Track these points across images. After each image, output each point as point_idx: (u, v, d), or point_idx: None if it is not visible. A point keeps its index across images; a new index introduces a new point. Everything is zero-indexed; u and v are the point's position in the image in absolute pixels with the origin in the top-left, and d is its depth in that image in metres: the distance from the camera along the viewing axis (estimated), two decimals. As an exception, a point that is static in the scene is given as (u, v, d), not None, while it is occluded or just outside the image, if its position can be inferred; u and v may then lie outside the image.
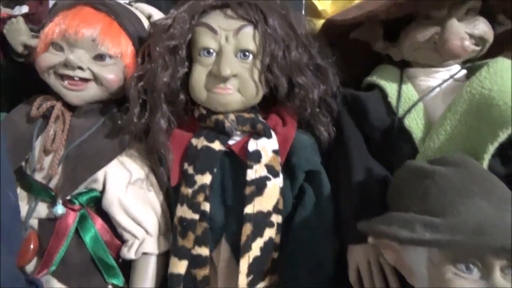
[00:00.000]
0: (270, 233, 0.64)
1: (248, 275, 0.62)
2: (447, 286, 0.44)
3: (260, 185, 0.63)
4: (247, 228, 0.62)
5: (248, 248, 0.62)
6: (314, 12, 0.94)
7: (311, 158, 0.68)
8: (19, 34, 0.78)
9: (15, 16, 0.81)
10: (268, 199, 0.64)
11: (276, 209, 0.65)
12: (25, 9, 0.86)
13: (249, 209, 0.62)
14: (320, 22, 0.91)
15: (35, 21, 0.85)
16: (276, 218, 0.65)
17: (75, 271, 0.67)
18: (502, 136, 0.56)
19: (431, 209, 0.47)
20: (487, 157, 0.57)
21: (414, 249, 0.48)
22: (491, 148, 0.56)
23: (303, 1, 0.88)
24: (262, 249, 0.63)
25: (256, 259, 0.62)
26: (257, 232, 0.62)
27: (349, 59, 0.75)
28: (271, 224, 0.64)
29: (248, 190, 0.63)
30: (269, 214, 0.63)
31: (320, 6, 0.91)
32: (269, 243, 0.63)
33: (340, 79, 0.72)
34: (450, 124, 0.60)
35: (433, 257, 0.46)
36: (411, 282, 0.51)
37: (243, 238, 0.61)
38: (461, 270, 0.44)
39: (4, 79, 0.81)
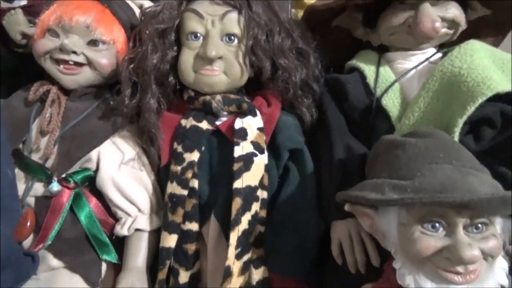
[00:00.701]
0: (256, 207, 0.67)
1: (236, 247, 0.65)
2: (415, 244, 0.47)
3: (247, 161, 0.67)
4: (237, 203, 0.65)
5: (238, 221, 0.65)
6: (299, 5, 0.98)
7: (295, 137, 0.71)
8: (18, 25, 0.82)
9: (12, 9, 0.85)
10: (255, 174, 0.67)
11: (261, 185, 0.68)
12: (24, 1, 0.89)
13: (238, 184, 0.65)
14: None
15: (34, 13, 0.88)
16: (261, 194, 0.68)
17: (69, 246, 0.70)
18: (470, 110, 0.59)
19: (400, 174, 0.50)
20: (457, 131, 0.60)
21: (385, 214, 0.52)
22: (460, 122, 0.60)
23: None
24: (249, 222, 0.66)
25: (244, 232, 0.65)
26: (246, 207, 0.65)
27: (333, 47, 0.79)
28: (257, 199, 0.67)
29: (236, 166, 0.66)
30: (256, 188, 0.67)
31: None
32: (255, 216, 0.67)
33: (325, 65, 0.76)
34: (424, 102, 0.64)
35: (402, 218, 0.49)
36: (384, 246, 0.55)
37: (233, 212, 0.64)
38: (427, 229, 0.47)
39: (4, 69, 0.85)
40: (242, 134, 0.68)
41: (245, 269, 0.66)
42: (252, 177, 0.66)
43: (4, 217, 0.59)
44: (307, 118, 0.73)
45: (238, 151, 0.67)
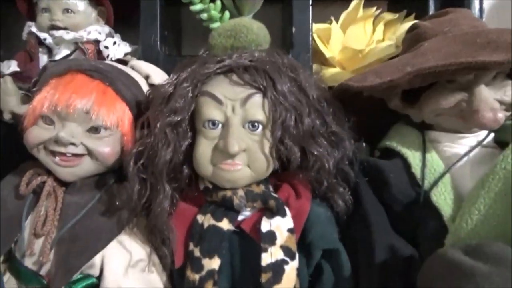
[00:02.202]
0: None
1: None
2: None
3: (277, 270, 0.57)
4: None
5: None
6: (321, 59, 0.89)
7: (328, 235, 0.62)
8: (7, 95, 0.73)
9: (2, 76, 0.76)
10: (287, 286, 0.57)
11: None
12: (14, 65, 0.80)
13: None
14: (327, 71, 0.86)
15: (25, 78, 0.79)
16: None
17: None
18: (547, 222, 0.50)
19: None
20: (528, 244, 0.51)
21: None
22: (533, 235, 0.51)
23: (310, 49, 0.83)
24: None
25: None
26: None
27: (360, 115, 0.70)
28: None
29: (265, 277, 0.57)
30: None
31: (327, 53, 0.86)
32: None
33: (354, 139, 0.67)
34: (484, 203, 0.55)
35: None
36: None
37: None
38: None
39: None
40: (271, 238, 0.58)
41: None
42: None
43: None
44: (341, 207, 0.64)
45: (266, 258, 0.57)
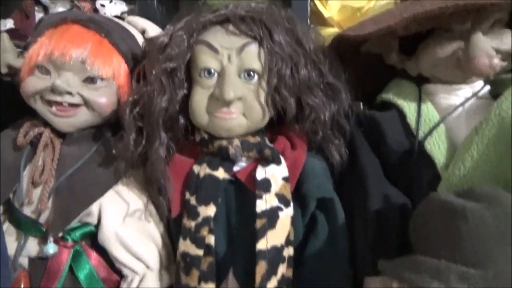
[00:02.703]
0: (282, 269, 0.58)
1: None
2: None
3: (272, 216, 0.58)
4: (261, 267, 0.56)
5: None
6: (319, 19, 0.88)
7: (323, 185, 0.63)
8: (4, 51, 0.72)
9: (-1, 32, 0.76)
10: (281, 232, 0.58)
11: (288, 241, 0.60)
12: (10, 23, 0.80)
13: (262, 245, 0.57)
14: (325, 31, 0.85)
15: (21, 36, 0.79)
16: (288, 251, 0.60)
17: (69, 312, 0.62)
18: (538, 166, 0.50)
19: (466, 257, 0.42)
20: (520, 188, 0.52)
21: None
22: (525, 178, 0.51)
23: (308, 9, 0.82)
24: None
25: None
26: (271, 270, 0.57)
27: (358, 72, 0.70)
28: (283, 260, 0.58)
29: (259, 223, 0.58)
30: (282, 248, 0.58)
31: (326, 13, 0.85)
32: (282, 280, 0.58)
33: (353, 97, 0.67)
34: (477, 150, 0.55)
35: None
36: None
37: (258, 278, 0.56)
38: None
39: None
40: (265, 185, 0.59)
41: None
42: (278, 235, 0.58)
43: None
44: (337, 160, 0.64)
45: (261, 205, 0.58)
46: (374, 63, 0.70)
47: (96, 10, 0.83)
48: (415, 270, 0.44)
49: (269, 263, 0.57)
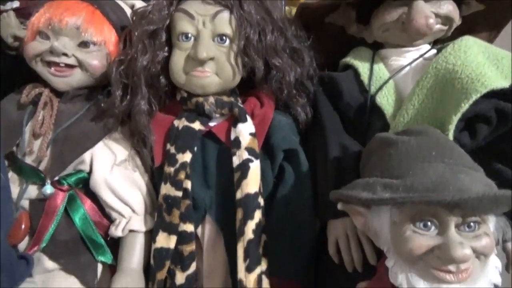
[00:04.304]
0: (259, 214, 0.65)
1: (244, 259, 0.63)
2: (407, 243, 0.47)
3: (244, 168, 0.66)
4: (239, 213, 0.64)
5: (241, 232, 0.63)
6: (295, 4, 0.96)
7: (289, 137, 0.71)
8: (10, 27, 0.81)
9: (4, 11, 0.85)
10: (254, 181, 0.66)
11: (260, 191, 0.67)
12: (16, 4, 0.89)
13: (238, 195, 0.65)
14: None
15: (26, 15, 0.87)
16: (261, 200, 0.67)
17: (64, 249, 0.70)
18: (464, 107, 0.58)
19: (392, 173, 0.50)
20: (451, 128, 0.60)
21: (377, 212, 0.51)
22: (455, 119, 0.59)
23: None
24: (254, 232, 0.64)
25: (249, 242, 0.63)
26: (248, 216, 0.64)
27: (327, 44, 0.78)
28: (258, 206, 0.66)
29: (236, 176, 0.66)
30: (256, 195, 0.65)
31: (300, -5, 0.94)
32: (259, 225, 0.65)
33: (319, 64, 0.76)
34: (418, 99, 0.63)
35: (394, 217, 0.49)
36: (378, 244, 0.54)
37: (237, 223, 0.64)
38: (419, 228, 0.47)
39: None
40: (237, 143, 0.67)
41: (260, 282, 0.64)
42: (250, 184, 0.65)
43: (-3, 221, 0.59)
44: (302, 117, 0.72)
45: (236, 160, 0.66)
46: (338, 35, 0.79)
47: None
48: (351, 188, 0.52)
49: (244, 209, 0.64)
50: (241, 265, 0.62)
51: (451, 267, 0.45)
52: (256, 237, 0.64)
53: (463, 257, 0.44)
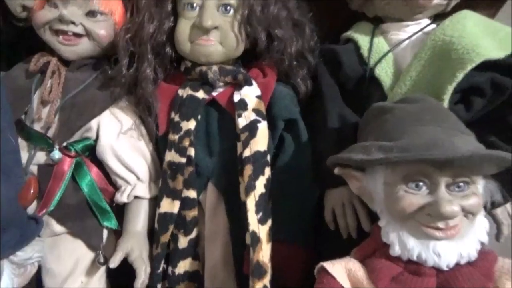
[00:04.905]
0: (268, 171, 0.68)
1: (256, 212, 0.65)
2: (399, 202, 0.49)
3: (252, 128, 0.68)
4: (248, 169, 0.66)
5: (252, 187, 0.65)
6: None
7: (289, 107, 0.73)
8: (16, -1, 0.83)
9: (13, -18, 0.86)
10: (262, 140, 0.68)
11: (268, 150, 0.69)
12: (22, -26, 0.90)
13: (247, 152, 0.67)
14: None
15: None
16: (269, 159, 0.69)
17: (71, 213, 0.72)
18: (459, 77, 0.60)
19: (387, 136, 0.52)
20: (446, 98, 0.62)
21: (372, 175, 0.54)
22: (450, 89, 0.61)
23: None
24: (265, 186, 0.67)
25: (261, 196, 0.66)
26: (259, 171, 0.66)
27: (329, 18, 0.80)
28: (268, 163, 0.68)
29: (243, 136, 0.68)
30: (265, 153, 0.68)
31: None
32: (269, 180, 0.68)
33: (320, 37, 0.77)
34: (416, 70, 0.65)
35: (388, 178, 0.51)
36: (371, 207, 0.57)
37: (246, 179, 0.66)
38: (411, 187, 0.49)
39: (3, 43, 0.86)
40: (242, 105, 0.69)
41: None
42: (259, 142, 0.67)
43: (8, 181, 0.62)
44: (302, 89, 0.74)
45: (242, 122, 0.68)
46: (340, 9, 0.80)
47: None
48: (348, 151, 0.54)
49: (254, 165, 0.66)
50: (253, 218, 0.64)
51: (440, 224, 0.48)
52: (267, 191, 0.66)
53: (452, 212, 0.46)
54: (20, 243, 0.58)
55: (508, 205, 0.70)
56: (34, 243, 0.61)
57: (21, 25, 0.85)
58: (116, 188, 0.76)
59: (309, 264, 0.70)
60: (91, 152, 0.75)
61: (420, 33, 0.71)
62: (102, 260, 0.72)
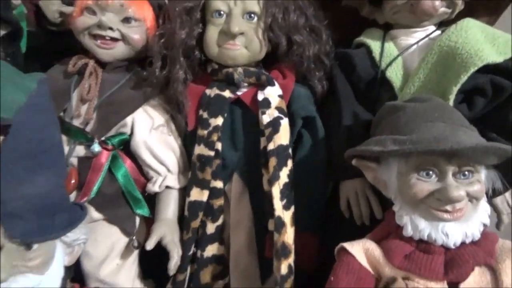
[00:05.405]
0: (290, 163, 0.75)
1: (281, 199, 0.72)
2: (412, 188, 0.56)
3: (275, 124, 0.75)
4: (273, 161, 0.73)
5: (277, 177, 0.72)
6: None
7: (307, 106, 0.80)
8: (53, 5, 0.90)
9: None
10: (284, 134, 0.75)
11: (290, 144, 0.76)
12: (55, -17, 0.97)
13: (271, 146, 0.73)
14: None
15: (63, -6, 0.96)
16: (290, 151, 0.76)
17: (108, 201, 0.79)
18: (463, 78, 0.67)
19: (400, 131, 0.59)
20: (452, 98, 0.69)
21: (386, 165, 0.61)
22: (455, 89, 0.68)
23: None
24: (288, 176, 0.74)
25: (285, 184, 0.73)
26: (282, 163, 0.73)
27: (343, 24, 0.87)
28: (290, 156, 0.75)
29: (267, 131, 0.74)
30: (287, 147, 0.75)
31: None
32: (291, 171, 0.74)
33: (335, 41, 0.84)
34: (423, 73, 0.72)
35: (401, 168, 0.58)
36: (386, 194, 0.64)
37: (271, 170, 0.72)
38: (422, 176, 0.56)
39: (35, 46, 0.93)
40: (266, 103, 0.76)
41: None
42: (282, 137, 0.74)
43: (56, 171, 0.69)
44: (319, 89, 0.81)
45: (266, 118, 0.75)
46: (352, 16, 0.87)
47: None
48: (365, 144, 0.61)
49: (278, 157, 0.73)
50: (278, 205, 0.71)
51: (448, 207, 0.55)
52: (290, 181, 0.73)
53: (458, 196, 0.53)
54: (70, 225, 0.64)
55: (508, 195, 0.77)
56: (80, 226, 0.67)
57: (54, 29, 0.93)
58: (147, 179, 0.83)
59: (318, 250, 0.78)
60: (124, 146, 0.82)
61: (426, 38, 0.78)
62: (136, 244, 0.79)
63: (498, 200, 0.77)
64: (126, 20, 0.79)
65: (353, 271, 0.59)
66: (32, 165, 0.66)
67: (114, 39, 0.79)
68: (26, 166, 0.65)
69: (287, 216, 0.71)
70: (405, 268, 0.57)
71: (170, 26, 0.76)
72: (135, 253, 0.81)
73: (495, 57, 0.68)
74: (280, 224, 0.70)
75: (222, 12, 0.76)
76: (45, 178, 0.66)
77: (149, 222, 0.82)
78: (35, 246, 0.60)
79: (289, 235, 0.70)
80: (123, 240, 0.80)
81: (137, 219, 0.82)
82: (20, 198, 0.62)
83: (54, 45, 0.94)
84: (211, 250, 0.78)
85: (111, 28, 0.77)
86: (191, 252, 0.77)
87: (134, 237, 0.80)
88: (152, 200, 0.83)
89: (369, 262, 0.60)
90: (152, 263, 0.81)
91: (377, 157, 0.62)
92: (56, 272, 0.64)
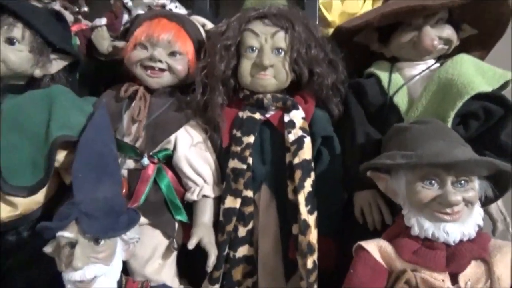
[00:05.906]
0: (313, 175, 0.87)
1: (306, 205, 0.84)
2: (418, 195, 0.68)
3: (300, 142, 0.87)
4: (298, 173, 0.85)
5: (302, 186, 0.85)
6: (324, 22, 1.20)
7: (326, 127, 0.93)
8: (103, 39, 1.04)
9: (99, 26, 1.08)
10: (307, 150, 0.87)
11: (312, 159, 0.88)
12: (104, 21, 1.11)
13: (296, 160, 0.86)
14: (329, 31, 1.17)
15: (112, 30, 1.11)
16: (313, 166, 0.88)
17: (152, 208, 0.91)
18: (459, 105, 0.80)
19: (407, 147, 0.71)
20: (450, 121, 0.82)
21: (396, 177, 0.73)
22: (452, 114, 0.81)
23: (317, 13, 1.14)
24: (312, 186, 0.86)
25: (309, 193, 0.85)
26: (306, 174, 0.85)
27: (355, 57, 1.01)
28: (312, 169, 0.87)
29: (292, 148, 0.87)
30: (310, 161, 0.87)
31: (329, 17, 1.17)
32: (314, 182, 0.87)
33: (349, 72, 0.98)
34: (425, 100, 0.85)
35: (409, 178, 0.70)
36: (395, 200, 0.76)
37: (296, 181, 0.85)
38: (426, 184, 0.68)
39: (84, 73, 1.07)
40: (291, 124, 0.89)
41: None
42: (305, 152, 0.87)
43: (115, 180, 0.82)
44: (336, 112, 0.95)
45: (291, 137, 0.88)
46: (363, 51, 1.01)
47: (165, 12, 1.15)
48: (378, 159, 0.73)
49: (302, 170, 0.85)
50: (303, 210, 0.83)
51: (448, 210, 0.66)
52: (313, 190, 0.86)
53: (456, 201, 0.65)
54: (129, 225, 0.76)
55: (500, 205, 0.89)
56: (135, 227, 0.79)
57: (102, 59, 1.07)
58: (185, 189, 0.95)
59: (336, 251, 0.89)
60: (167, 160, 0.95)
61: (427, 70, 0.92)
62: (175, 246, 0.91)
63: (493, 210, 0.89)
64: (172, 53, 0.93)
65: (369, 264, 0.70)
66: (98, 174, 0.79)
67: (162, 70, 0.93)
68: (93, 176, 0.78)
69: (311, 219, 0.84)
70: (413, 262, 0.68)
71: (210, 59, 0.90)
72: (174, 254, 0.92)
73: (485, 87, 0.81)
74: (306, 226, 0.82)
75: (254, 48, 0.90)
76: (108, 185, 0.79)
77: (185, 227, 0.94)
78: (102, 241, 0.73)
79: (313, 235, 0.82)
80: (164, 242, 0.92)
81: (176, 224, 0.94)
82: (92, 201, 0.74)
83: (100, 73, 1.08)
84: (242, 251, 0.89)
85: (160, 61, 0.91)
86: (225, 253, 0.88)
87: (174, 240, 0.92)
88: (189, 208, 0.95)
89: (382, 258, 0.71)
90: (187, 264, 0.93)
91: (388, 169, 0.75)
92: (117, 265, 0.76)
